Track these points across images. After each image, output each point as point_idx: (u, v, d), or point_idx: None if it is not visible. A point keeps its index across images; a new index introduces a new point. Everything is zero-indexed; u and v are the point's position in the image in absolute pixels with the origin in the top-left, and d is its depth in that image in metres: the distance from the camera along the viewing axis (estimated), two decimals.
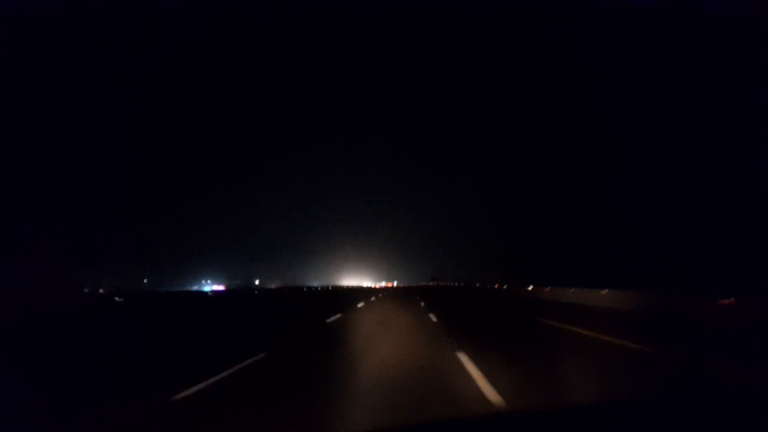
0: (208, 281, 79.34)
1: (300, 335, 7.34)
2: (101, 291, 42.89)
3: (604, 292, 13.68)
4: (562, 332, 7.30)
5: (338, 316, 10.66)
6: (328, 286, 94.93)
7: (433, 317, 9.81)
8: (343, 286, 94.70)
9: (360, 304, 16.26)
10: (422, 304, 16.09)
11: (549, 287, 19.32)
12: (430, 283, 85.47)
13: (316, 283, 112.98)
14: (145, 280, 65.87)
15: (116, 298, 25.61)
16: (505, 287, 30.45)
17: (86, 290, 37.11)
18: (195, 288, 72.09)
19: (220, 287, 71.95)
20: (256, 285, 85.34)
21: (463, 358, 4.45)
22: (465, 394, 3.21)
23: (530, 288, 22.68)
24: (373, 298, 22.21)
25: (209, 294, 44.52)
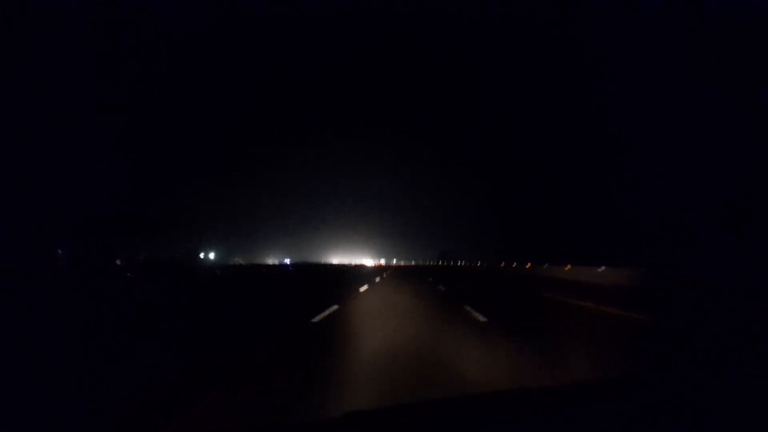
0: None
1: None
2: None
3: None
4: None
5: None
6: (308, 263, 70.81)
7: None
8: (324, 265, 71.88)
9: None
10: None
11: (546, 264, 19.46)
12: (460, 265, 56.82)
13: (287, 259, 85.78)
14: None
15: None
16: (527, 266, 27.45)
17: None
18: None
19: None
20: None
21: None
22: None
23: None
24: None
25: None
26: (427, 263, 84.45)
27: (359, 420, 1.11)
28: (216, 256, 57.84)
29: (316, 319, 5.38)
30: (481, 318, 5.50)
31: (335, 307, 6.69)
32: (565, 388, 1.72)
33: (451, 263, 64.55)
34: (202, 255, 54.25)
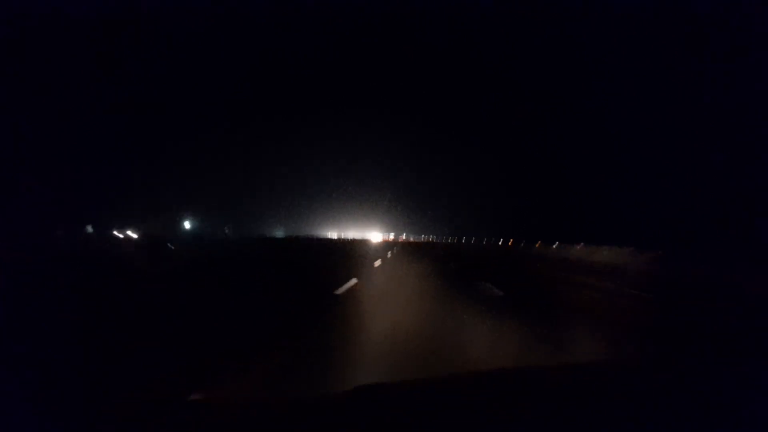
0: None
1: None
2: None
3: None
4: None
5: None
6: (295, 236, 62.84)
7: None
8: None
9: None
10: None
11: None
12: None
13: (280, 233, 74.25)
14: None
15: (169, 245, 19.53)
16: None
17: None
18: None
19: None
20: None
21: None
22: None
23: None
24: None
25: None
26: (441, 240, 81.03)
27: (369, 393, 1.12)
28: (201, 226, 47.65)
29: None
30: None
31: None
32: (578, 367, 1.71)
33: (463, 240, 64.57)
34: (187, 225, 46.10)
